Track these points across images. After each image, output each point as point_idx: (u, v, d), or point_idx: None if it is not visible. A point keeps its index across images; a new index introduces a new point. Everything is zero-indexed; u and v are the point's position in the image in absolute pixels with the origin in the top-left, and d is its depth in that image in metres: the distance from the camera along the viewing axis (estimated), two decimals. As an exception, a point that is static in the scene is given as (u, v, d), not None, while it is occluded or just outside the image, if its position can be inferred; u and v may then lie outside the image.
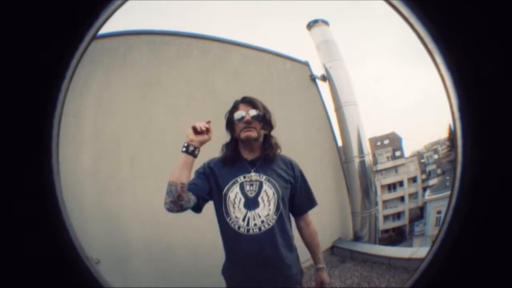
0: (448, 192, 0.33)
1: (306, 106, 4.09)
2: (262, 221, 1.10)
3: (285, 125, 3.37)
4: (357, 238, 4.15)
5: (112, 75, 2.76)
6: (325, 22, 4.79)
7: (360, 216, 4.20)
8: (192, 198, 1.06)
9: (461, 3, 0.27)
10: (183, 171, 1.03)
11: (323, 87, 4.41)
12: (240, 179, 1.15)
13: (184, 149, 1.04)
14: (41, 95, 0.27)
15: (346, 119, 4.35)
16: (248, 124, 1.12)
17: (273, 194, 1.13)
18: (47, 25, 0.26)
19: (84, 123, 2.61)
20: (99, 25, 0.29)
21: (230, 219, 1.11)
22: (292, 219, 1.24)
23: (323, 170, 4.06)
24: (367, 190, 4.30)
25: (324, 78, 4.47)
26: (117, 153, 2.69)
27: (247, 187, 1.13)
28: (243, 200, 1.12)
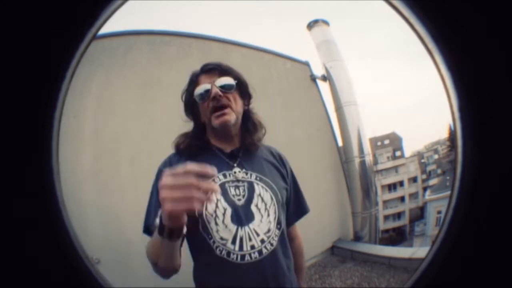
0: (448, 192, 0.33)
1: (306, 106, 4.10)
2: (262, 241, 0.74)
3: (285, 125, 3.39)
4: (357, 238, 4.15)
5: (112, 75, 2.77)
6: (325, 22, 4.80)
7: (360, 216, 4.20)
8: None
9: (461, 3, 0.27)
10: (176, 253, 0.65)
11: (323, 87, 4.42)
12: (219, 178, 0.77)
13: (160, 231, 0.59)
14: (41, 95, 0.27)
15: (347, 119, 4.36)
16: (219, 101, 0.76)
17: (271, 198, 0.78)
18: (47, 25, 0.26)
19: (84, 123, 2.61)
20: (99, 25, 0.29)
21: (214, 243, 0.73)
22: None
23: (324, 170, 4.07)
24: (367, 190, 4.31)
25: (324, 78, 4.47)
26: (117, 153, 2.70)
27: (232, 191, 0.76)
28: (229, 210, 0.74)
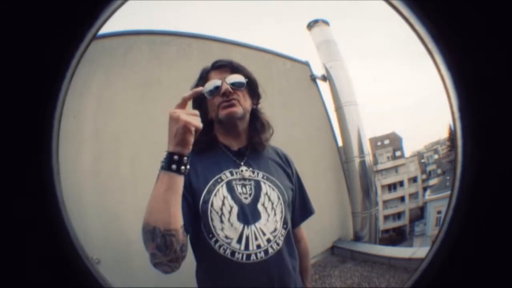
0: (448, 192, 0.33)
1: (307, 106, 4.10)
2: (269, 240, 0.73)
3: (285, 125, 3.39)
4: (357, 238, 4.15)
5: (112, 75, 2.77)
6: (325, 22, 4.80)
7: (360, 216, 4.20)
8: (186, 237, 0.69)
9: (461, 3, 0.27)
10: (177, 203, 0.62)
11: (324, 87, 4.41)
12: (226, 176, 0.76)
13: (168, 162, 0.61)
14: (41, 95, 0.27)
15: (347, 119, 4.36)
16: (228, 97, 0.76)
17: (278, 198, 0.77)
18: (47, 25, 0.26)
19: (84, 123, 2.61)
20: (99, 25, 0.29)
21: (217, 242, 0.71)
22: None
23: (324, 170, 4.07)
24: (367, 190, 4.31)
25: (324, 78, 4.47)
26: (117, 153, 2.70)
27: (239, 189, 0.75)
28: (235, 209, 0.72)
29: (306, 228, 0.98)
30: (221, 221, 0.72)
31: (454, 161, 0.32)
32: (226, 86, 0.76)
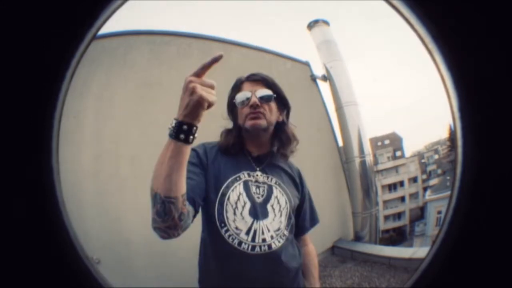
0: (449, 192, 0.33)
1: (307, 106, 4.10)
2: (272, 237, 0.82)
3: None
4: (357, 238, 4.15)
5: (112, 75, 2.77)
6: (326, 22, 4.80)
7: (360, 216, 4.20)
8: (190, 210, 0.71)
9: (461, 3, 0.27)
10: (180, 171, 0.63)
11: (324, 87, 4.41)
12: (244, 175, 0.86)
13: (176, 131, 0.62)
14: (41, 95, 0.27)
15: (347, 119, 4.36)
16: (255, 109, 0.84)
17: (286, 203, 0.87)
18: (47, 25, 0.26)
19: (84, 123, 2.61)
20: (99, 25, 0.29)
21: (227, 231, 0.79)
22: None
23: (324, 170, 4.06)
24: (367, 190, 4.31)
25: (324, 78, 4.48)
26: (117, 153, 2.70)
27: (253, 189, 0.84)
28: (248, 205, 0.82)
29: (307, 228, 1.00)
30: (234, 213, 0.81)
31: (454, 161, 0.32)
32: (254, 99, 0.84)
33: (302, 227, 0.99)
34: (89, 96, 2.63)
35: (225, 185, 0.82)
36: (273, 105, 0.88)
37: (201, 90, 0.61)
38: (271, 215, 0.83)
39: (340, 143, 4.41)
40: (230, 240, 0.79)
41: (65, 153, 2.32)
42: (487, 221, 0.29)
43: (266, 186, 0.86)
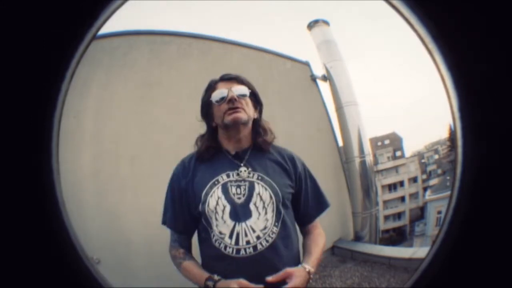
0: (449, 192, 0.33)
1: (307, 106, 4.09)
2: (258, 237, 0.81)
3: (285, 125, 3.38)
4: (357, 238, 4.15)
5: (112, 75, 2.76)
6: (326, 22, 4.79)
7: (360, 216, 4.20)
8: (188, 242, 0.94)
9: (461, 3, 0.27)
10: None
11: (324, 87, 4.41)
12: (222, 178, 0.86)
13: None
14: (41, 95, 0.27)
15: (347, 119, 4.35)
16: (234, 103, 0.85)
17: (270, 197, 0.84)
18: (47, 25, 0.26)
19: (84, 123, 2.61)
20: (99, 25, 0.29)
21: (214, 236, 0.83)
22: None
23: (324, 170, 4.06)
24: (367, 190, 4.30)
25: (324, 78, 4.47)
26: (117, 153, 2.69)
27: (233, 190, 0.84)
28: (228, 208, 0.83)
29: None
30: (216, 219, 0.83)
31: (454, 161, 0.32)
32: (232, 94, 0.85)
33: (307, 215, 0.96)
34: (89, 96, 2.62)
35: (204, 192, 0.84)
36: (248, 100, 0.89)
37: None
38: (254, 214, 0.83)
39: (340, 143, 4.41)
40: (217, 245, 0.82)
41: (65, 153, 2.32)
42: (487, 221, 0.29)
43: (247, 184, 0.85)
